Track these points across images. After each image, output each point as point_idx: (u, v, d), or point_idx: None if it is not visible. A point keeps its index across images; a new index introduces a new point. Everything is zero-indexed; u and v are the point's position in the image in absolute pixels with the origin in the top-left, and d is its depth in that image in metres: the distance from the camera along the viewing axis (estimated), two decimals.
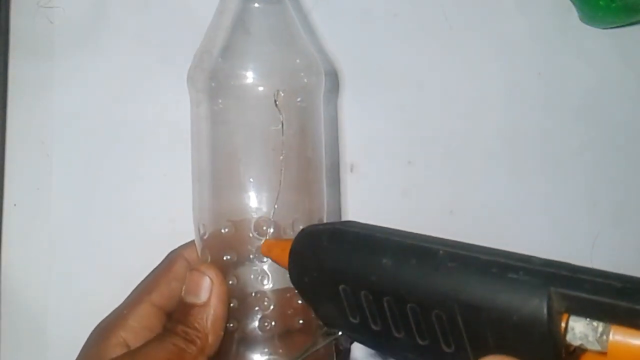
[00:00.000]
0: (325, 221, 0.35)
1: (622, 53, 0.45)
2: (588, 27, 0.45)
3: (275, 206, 0.31)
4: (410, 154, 0.44)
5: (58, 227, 0.42)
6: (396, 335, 0.24)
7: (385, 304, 0.24)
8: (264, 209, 0.31)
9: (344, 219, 0.43)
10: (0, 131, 0.42)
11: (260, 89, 0.32)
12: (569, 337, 0.20)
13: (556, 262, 0.22)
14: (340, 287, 0.26)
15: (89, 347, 0.32)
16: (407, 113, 0.44)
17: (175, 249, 0.35)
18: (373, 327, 0.25)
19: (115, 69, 0.43)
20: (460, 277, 0.22)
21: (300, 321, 0.31)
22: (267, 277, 0.31)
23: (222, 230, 0.32)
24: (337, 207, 0.43)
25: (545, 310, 0.20)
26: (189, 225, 0.42)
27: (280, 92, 0.31)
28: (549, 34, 0.45)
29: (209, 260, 0.32)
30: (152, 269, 0.42)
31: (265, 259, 0.31)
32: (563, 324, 0.20)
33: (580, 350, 0.20)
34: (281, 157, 0.31)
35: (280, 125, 0.31)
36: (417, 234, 0.26)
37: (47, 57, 0.43)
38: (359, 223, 0.29)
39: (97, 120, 0.43)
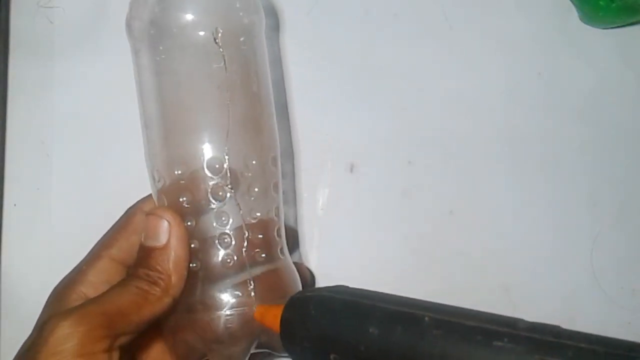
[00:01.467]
0: (278, 159, 0.35)
1: (622, 53, 0.45)
2: (588, 27, 0.45)
3: (227, 145, 0.31)
4: (410, 154, 0.44)
5: (58, 227, 0.42)
6: None
7: None
8: (216, 148, 0.31)
9: (344, 218, 0.43)
10: (0, 131, 0.42)
11: (201, 33, 0.31)
12: None
13: (541, 325, 0.22)
14: (332, 356, 0.26)
15: (49, 303, 0.32)
16: (407, 113, 0.44)
17: (133, 204, 0.35)
18: None
19: (115, 69, 0.43)
20: (445, 346, 0.23)
21: (263, 255, 0.32)
22: (226, 215, 0.31)
23: (175, 172, 0.32)
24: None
25: None
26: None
27: (219, 29, 0.31)
28: (549, 34, 0.45)
29: (166, 205, 0.32)
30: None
31: (223, 197, 0.31)
32: None
33: None
34: (227, 94, 0.31)
35: (223, 63, 0.31)
36: (404, 298, 0.26)
37: (47, 57, 0.43)
38: (347, 288, 0.29)
39: (97, 120, 0.43)
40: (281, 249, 0.33)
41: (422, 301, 0.26)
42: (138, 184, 0.43)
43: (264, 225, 0.33)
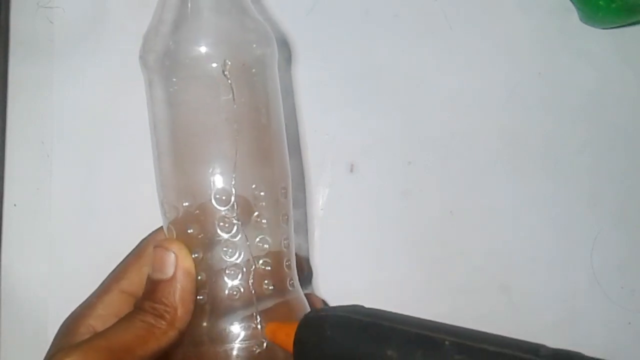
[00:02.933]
0: (289, 190, 0.34)
1: (622, 53, 0.45)
2: (588, 27, 0.44)
3: (234, 176, 0.31)
4: (410, 154, 0.44)
5: (58, 227, 0.42)
6: None
7: None
8: (224, 180, 0.31)
9: (343, 218, 0.43)
10: (0, 131, 0.42)
11: (213, 65, 0.31)
12: None
13: (565, 352, 0.22)
14: None
15: (59, 337, 0.32)
16: (407, 113, 0.44)
17: (147, 235, 0.35)
18: None
19: (115, 69, 0.43)
20: None
21: (271, 287, 0.31)
22: (234, 247, 0.31)
23: (183, 204, 0.32)
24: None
25: None
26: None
27: (227, 61, 0.31)
28: (549, 34, 0.45)
29: (175, 236, 0.32)
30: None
31: (230, 229, 0.31)
32: None
33: None
34: (235, 126, 0.31)
35: (231, 95, 0.31)
36: (423, 320, 0.26)
37: (47, 57, 0.43)
38: (363, 308, 0.28)
39: (97, 120, 0.43)
40: (291, 281, 0.33)
41: (442, 324, 0.25)
42: (138, 184, 0.43)
43: (273, 258, 0.32)
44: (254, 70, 0.33)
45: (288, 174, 0.34)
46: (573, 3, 0.44)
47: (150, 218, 0.43)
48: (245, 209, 0.31)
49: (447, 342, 0.23)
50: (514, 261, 0.44)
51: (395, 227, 0.43)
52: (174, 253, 0.30)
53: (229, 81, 0.31)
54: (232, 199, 0.31)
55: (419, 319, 0.26)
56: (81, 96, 0.43)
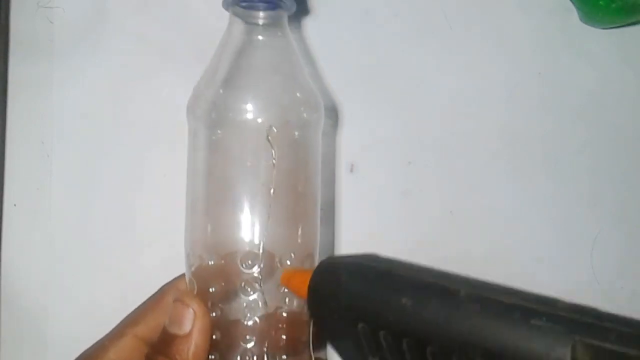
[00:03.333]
0: (316, 258, 0.34)
1: (622, 53, 0.45)
2: (588, 27, 0.44)
3: (263, 240, 0.31)
4: (410, 154, 0.44)
5: (58, 227, 0.42)
6: None
7: (405, 346, 0.24)
8: (253, 243, 0.31)
9: (342, 219, 0.43)
10: (0, 131, 0.42)
11: (259, 120, 0.32)
12: None
13: (582, 307, 0.21)
14: (359, 325, 0.25)
15: None
16: (407, 113, 0.44)
17: (169, 281, 0.35)
18: None
19: (115, 69, 0.43)
20: (481, 322, 0.22)
21: (284, 356, 0.31)
22: (252, 310, 0.31)
23: (209, 262, 0.32)
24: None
25: None
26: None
27: (273, 128, 0.31)
28: (549, 34, 0.45)
29: (196, 291, 0.32)
30: (150, 270, 0.42)
31: (252, 292, 0.31)
32: None
33: None
34: (271, 192, 0.31)
35: (272, 160, 0.31)
36: (438, 270, 0.26)
37: (47, 57, 0.43)
38: (378, 257, 0.28)
39: (97, 120, 0.43)
40: (307, 345, 0.32)
41: (457, 275, 0.25)
42: (138, 184, 0.43)
43: (291, 322, 0.32)
44: (297, 134, 0.33)
45: (316, 242, 0.34)
46: (573, 3, 0.44)
47: (150, 218, 0.43)
48: (268, 274, 0.31)
49: (462, 292, 0.23)
50: (514, 261, 0.43)
51: (395, 227, 0.43)
52: (194, 310, 0.30)
53: (272, 147, 0.31)
54: (258, 263, 0.31)
55: (434, 269, 0.26)
56: (81, 96, 0.43)
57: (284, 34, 0.35)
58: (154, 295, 0.35)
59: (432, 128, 0.44)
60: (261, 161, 0.32)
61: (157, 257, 0.42)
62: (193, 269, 0.33)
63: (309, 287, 0.28)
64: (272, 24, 0.34)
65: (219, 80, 0.33)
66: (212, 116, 0.33)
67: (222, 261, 0.31)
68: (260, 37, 0.34)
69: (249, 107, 0.32)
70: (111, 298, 0.42)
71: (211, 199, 0.33)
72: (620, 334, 0.19)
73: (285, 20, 0.35)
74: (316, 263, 0.34)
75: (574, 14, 0.44)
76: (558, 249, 0.44)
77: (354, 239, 0.43)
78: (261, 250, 0.31)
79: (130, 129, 0.43)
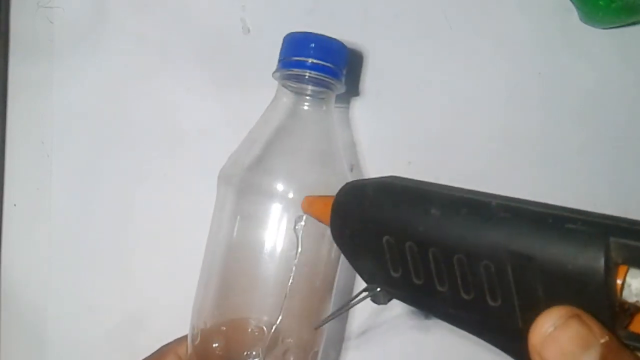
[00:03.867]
0: (319, 354, 0.34)
1: (622, 53, 0.45)
2: (588, 27, 0.44)
3: (272, 331, 0.31)
4: (410, 154, 0.44)
5: (58, 227, 0.42)
6: (439, 289, 0.23)
7: (431, 256, 0.23)
8: (258, 334, 0.31)
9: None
10: (0, 131, 0.42)
11: (289, 200, 0.32)
12: (625, 294, 0.19)
13: (614, 216, 0.21)
14: (384, 238, 0.25)
15: None
16: (407, 113, 0.44)
17: (168, 343, 0.35)
18: (415, 281, 0.24)
19: (115, 69, 0.43)
20: (513, 227, 0.21)
21: None
22: None
23: (213, 345, 0.32)
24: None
25: (602, 260, 0.18)
26: (188, 225, 0.42)
27: (302, 222, 0.32)
28: (549, 34, 0.45)
29: (195, 358, 0.32)
30: (150, 270, 0.42)
31: None
32: (619, 281, 0.19)
33: (635, 308, 0.19)
34: (289, 284, 0.31)
35: (295, 252, 0.31)
36: (465, 188, 0.25)
37: (47, 57, 0.43)
38: (402, 177, 0.27)
39: (97, 120, 0.43)
40: None
41: (488, 193, 0.24)
42: (138, 184, 0.43)
43: None
44: (328, 232, 0.33)
45: (323, 339, 0.34)
46: (573, 3, 0.44)
47: (150, 218, 0.43)
48: (270, 348, 0.31)
49: (493, 203, 0.22)
50: None
51: None
52: None
53: (298, 240, 0.31)
54: (262, 353, 0.31)
55: (463, 188, 0.25)
56: (81, 96, 0.43)
57: (328, 109, 0.35)
58: (151, 356, 0.34)
59: (432, 128, 0.44)
60: (284, 249, 0.32)
61: (157, 257, 0.42)
62: (195, 343, 0.32)
63: (334, 206, 0.28)
64: (319, 98, 0.35)
65: (256, 151, 0.33)
66: (243, 187, 0.33)
67: (225, 345, 0.31)
68: (305, 107, 0.35)
69: (280, 186, 0.32)
70: (111, 298, 0.42)
71: (229, 274, 0.33)
72: None
73: (332, 98, 0.36)
74: (320, 353, 0.34)
75: (574, 14, 0.44)
76: None
77: None
78: (267, 340, 0.31)
79: (130, 128, 0.43)
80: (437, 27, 0.44)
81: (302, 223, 0.31)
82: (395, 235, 0.24)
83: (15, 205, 0.42)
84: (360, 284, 0.27)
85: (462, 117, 0.44)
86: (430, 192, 0.25)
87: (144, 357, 0.35)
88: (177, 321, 0.40)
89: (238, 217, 0.33)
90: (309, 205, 0.30)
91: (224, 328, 0.31)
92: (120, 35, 0.43)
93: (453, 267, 0.22)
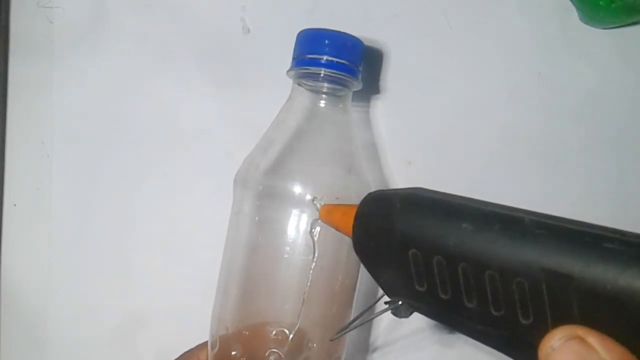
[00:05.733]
0: (342, 357, 0.33)
1: (622, 53, 0.45)
2: (588, 27, 0.44)
3: (290, 338, 0.30)
4: (410, 154, 0.44)
5: (58, 227, 0.42)
6: (467, 305, 0.23)
7: (460, 270, 0.22)
8: (280, 338, 0.31)
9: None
10: (0, 131, 0.42)
11: (307, 200, 0.31)
12: None
13: None
14: (411, 251, 0.24)
15: None
16: (407, 113, 0.44)
17: (191, 349, 0.35)
18: (441, 295, 0.23)
19: (115, 69, 0.43)
20: (549, 244, 0.20)
21: None
22: None
23: (232, 353, 0.31)
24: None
25: None
26: (188, 225, 0.42)
27: (318, 227, 0.31)
28: (549, 34, 0.45)
29: None
30: (150, 270, 0.42)
31: None
32: None
33: None
34: (306, 288, 0.31)
35: (312, 256, 0.31)
36: (496, 203, 0.24)
37: (47, 57, 0.43)
38: (429, 189, 0.27)
39: (97, 120, 0.43)
40: None
41: (518, 208, 0.23)
42: (138, 184, 0.43)
43: None
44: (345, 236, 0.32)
45: (345, 345, 0.34)
46: (573, 3, 0.44)
47: (150, 218, 0.43)
48: (293, 353, 0.31)
49: (526, 219, 0.22)
50: None
51: None
52: None
53: (314, 243, 0.31)
54: (287, 343, 0.30)
55: (491, 202, 0.24)
56: (81, 96, 0.43)
57: (345, 108, 0.35)
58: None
59: (432, 128, 0.44)
60: (301, 254, 0.31)
61: (156, 257, 0.42)
62: (214, 352, 0.32)
63: (357, 215, 0.27)
64: (336, 96, 0.34)
65: (272, 154, 0.33)
66: (261, 190, 0.32)
67: (244, 354, 0.31)
68: (322, 105, 0.34)
69: (300, 194, 0.31)
70: (111, 298, 0.42)
71: (248, 282, 0.32)
72: None
73: (349, 96, 0.35)
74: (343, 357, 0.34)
75: (574, 14, 0.44)
76: None
77: None
78: (289, 342, 0.30)
79: (130, 128, 0.43)
80: (437, 27, 0.44)
81: (318, 228, 0.31)
82: (423, 249, 0.24)
83: (15, 205, 0.42)
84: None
85: (462, 117, 0.44)
86: (461, 205, 0.24)
87: (144, 357, 0.35)
88: (177, 321, 0.40)
89: (257, 221, 0.33)
90: (327, 214, 0.29)
91: (246, 332, 0.31)
92: (120, 35, 0.43)
93: (484, 283, 0.22)
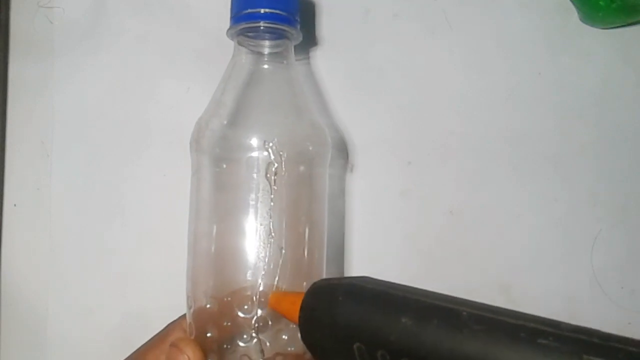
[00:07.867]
0: None
1: (622, 53, 0.45)
2: (588, 27, 0.44)
3: (260, 285, 0.30)
4: (410, 154, 0.44)
5: (58, 227, 0.42)
6: None
7: None
8: (249, 289, 0.31)
9: (345, 220, 0.43)
10: (0, 131, 0.42)
11: (263, 155, 0.31)
12: None
13: (586, 328, 0.21)
14: (355, 345, 0.25)
15: None
16: (407, 113, 0.44)
17: (175, 320, 0.35)
18: None
19: (115, 69, 0.43)
20: (486, 341, 0.21)
21: None
22: (248, 357, 0.30)
23: (207, 306, 0.31)
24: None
25: None
26: (187, 226, 0.42)
27: (273, 164, 0.31)
28: (549, 34, 0.45)
29: (194, 335, 0.32)
30: (150, 270, 0.42)
31: (249, 338, 0.30)
32: None
33: None
34: (270, 233, 0.31)
35: (270, 200, 0.31)
36: (435, 292, 0.25)
37: (47, 57, 0.43)
38: (373, 279, 0.27)
39: (97, 120, 0.43)
40: None
41: (457, 297, 0.24)
42: (137, 184, 0.43)
43: None
44: (302, 169, 0.32)
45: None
46: (573, 3, 0.44)
47: (150, 218, 0.43)
48: (268, 321, 0.31)
49: (464, 313, 0.22)
50: (514, 261, 0.43)
51: (394, 227, 0.43)
52: (188, 357, 0.30)
53: (271, 186, 0.31)
54: (257, 310, 0.30)
55: (432, 292, 0.25)
56: (81, 96, 0.43)
57: (289, 63, 0.34)
58: (159, 333, 0.35)
59: (432, 128, 0.44)
60: (264, 199, 0.31)
61: (156, 257, 0.42)
62: (192, 311, 0.32)
63: (302, 308, 0.27)
64: (278, 53, 0.34)
65: (223, 113, 0.33)
66: (216, 151, 0.32)
67: (218, 306, 0.31)
68: (266, 66, 0.34)
69: (254, 142, 0.31)
70: (111, 298, 0.42)
71: (213, 237, 0.32)
72: (629, 353, 0.19)
73: (291, 49, 0.35)
74: None
75: (574, 14, 0.44)
76: (558, 249, 0.44)
77: (353, 238, 0.43)
78: (257, 296, 0.30)
79: (130, 129, 0.43)
80: (437, 27, 0.44)
81: (274, 167, 0.31)
82: (367, 343, 0.24)
83: (15, 205, 0.42)
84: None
85: (462, 117, 0.44)
86: (401, 298, 0.25)
87: None
88: None
89: (214, 184, 0.33)
90: (276, 302, 0.29)
91: (210, 306, 0.31)
92: (120, 35, 0.43)
93: None
